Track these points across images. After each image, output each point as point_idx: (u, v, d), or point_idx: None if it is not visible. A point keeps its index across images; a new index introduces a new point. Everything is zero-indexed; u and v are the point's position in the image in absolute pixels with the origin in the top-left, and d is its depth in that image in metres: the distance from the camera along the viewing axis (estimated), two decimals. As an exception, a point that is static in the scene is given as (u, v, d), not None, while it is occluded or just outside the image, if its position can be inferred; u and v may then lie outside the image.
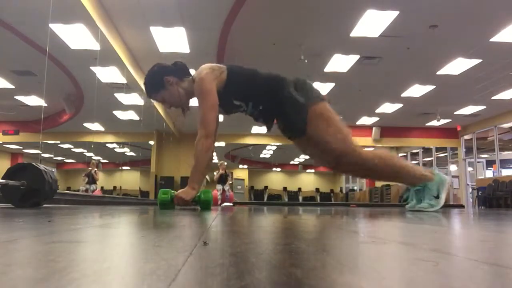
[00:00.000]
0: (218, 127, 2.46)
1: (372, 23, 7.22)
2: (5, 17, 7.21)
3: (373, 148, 20.56)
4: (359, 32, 7.58)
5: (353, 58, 8.97)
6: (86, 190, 11.66)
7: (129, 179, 27.59)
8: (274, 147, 21.64)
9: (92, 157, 22.93)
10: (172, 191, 2.53)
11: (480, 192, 13.13)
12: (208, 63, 2.42)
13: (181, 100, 2.46)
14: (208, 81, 2.30)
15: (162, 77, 2.41)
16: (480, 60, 8.86)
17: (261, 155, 24.98)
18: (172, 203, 2.46)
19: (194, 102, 2.48)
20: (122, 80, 10.02)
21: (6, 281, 0.36)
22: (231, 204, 10.35)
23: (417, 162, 19.25)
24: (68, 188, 23.55)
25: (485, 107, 12.66)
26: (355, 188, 26.46)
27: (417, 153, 18.86)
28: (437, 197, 2.54)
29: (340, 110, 13.60)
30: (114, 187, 26.54)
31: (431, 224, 1.45)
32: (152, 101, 2.64)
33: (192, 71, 2.53)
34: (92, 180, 11.98)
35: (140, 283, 0.37)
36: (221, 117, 2.57)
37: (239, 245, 0.67)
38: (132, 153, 23.75)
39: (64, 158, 26.99)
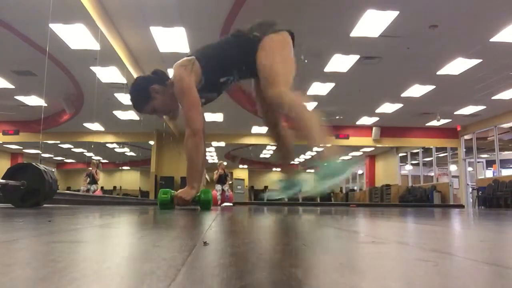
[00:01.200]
0: (205, 124, 2.46)
1: (372, 23, 7.22)
2: (5, 17, 7.22)
3: (372, 149, 20.48)
4: (359, 32, 7.58)
5: (353, 58, 8.97)
6: (87, 191, 11.65)
7: (129, 179, 27.61)
8: (274, 147, 21.59)
9: (92, 157, 22.93)
10: (172, 191, 2.53)
11: (480, 192, 13.14)
12: (178, 61, 2.40)
13: (169, 106, 2.46)
14: (185, 80, 2.30)
15: (148, 88, 2.40)
16: (480, 60, 8.86)
17: (261, 155, 24.98)
18: (172, 203, 2.47)
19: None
20: (122, 80, 10.02)
21: (6, 281, 0.36)
22: (231, 204, 10.35)
23: (417, 162, 19.29)
24: (68, 188, 23.55)
25: (485, 107, 12.66)
26: (355, 188, 26.47)
27: (417, 153, 18.86)
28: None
29: (340, 110, 13.60)
30: (114, 187, 26.55)
31: (431, 224, 1.45)
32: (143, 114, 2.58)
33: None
34: (93, 180, 11.97)
35: (140, 283, 0.37)
36: (220, 117, 2.58)
37: (239, 245, 0.67)
38: (132, 153, 23.75)
39: (64, 158, 26.99)
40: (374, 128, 15.64)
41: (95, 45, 7.85)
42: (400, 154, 20.34)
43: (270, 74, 2.22)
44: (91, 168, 12.20)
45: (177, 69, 2.34)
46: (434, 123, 14.38)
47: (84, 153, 23.13)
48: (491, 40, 7.80)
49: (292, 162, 2.77)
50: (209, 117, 12.91)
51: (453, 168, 17.07)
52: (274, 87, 2.18)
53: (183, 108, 2.33)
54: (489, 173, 15.70)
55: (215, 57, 2.38)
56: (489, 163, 15.91)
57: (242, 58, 2.34)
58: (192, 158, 2.34)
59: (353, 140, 15.78)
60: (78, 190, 14.07)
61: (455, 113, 13.43)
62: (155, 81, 2.43)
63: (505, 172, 14.40)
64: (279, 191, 2.47)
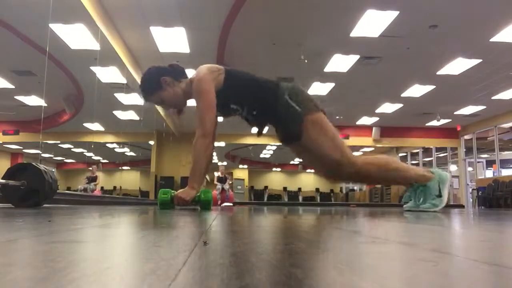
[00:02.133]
0: (217, 127, 2.47)
1: (372, 23, 7.22)
2: (5, 17, 7.22)
3: (372, 149, 20.50)
4: (359, 32, 7.58)
5: (353, 58, 8.97)
6: (85, 190, 11.70)
7: (129, 179, 27.61)
8: (274, 147, 21.64)
9: (92, 157, 22.87)
10: (172, 191, 2.53)
11: (480, 192, 13.13)
12: (207, 64, 2.42)
13: (178, 100, 2.46)
14: (206, 81, 2.30)
15: (159, 78, 2.41)
16: (480, 60, 8.86)
17: (261, 155, 24.98)
18: (172, 203, 2.47)
19: (191, 102, 2.49)
20: (122, 80, 10.02)
21: (6, 281, 0.36)
22: (231, 204, 10.34)
23: (417, 162, 19.28)
24: (68, 188, 23.55)
25: (485, 107, 12.66)
26: (355, 188, 26.48)
27: (417, 153, 18.85)
28: (439, 195, 2.52)
29: (340, 110, 13.64)
30: (114, 187, 26.54)
31: (431, 224, 1.45)
32: (149, 103, 2.63)
33: (191, 71, 2.53)
34: (91, 180, 12.09)
35: (140, 283, 0.37)
36: (220, 118, 2.59)
37: (239, 245, 0.67)
38: (132, 153, 23.74)
39: (64, 158, 26.99)
40: (374, 128, 15.64)
41: (95, 45, 7.85)
42: (400, 154, 20.34)
43: (327, 155, 2.32)
44: (91, 169, 12.35)
45: (202, 70, 2.34)
46: (434, 123, 14.38)
47: (84, 153, 23.13)
48: (491, 40, 7.80)
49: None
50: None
51: (453, 168, 17.06)
52: (338, 165, 2.33)
53: (198, 109, 2.32)
54: (489, 173, 15.70)
55: (241, 84, 2.38)
56: (489, 163, 15.90)
57: (260, 106, 2.37)
58: (198, 160, 2.34)
59: (353, 140, 15.78)
60: (76, 190, 14.10)
61: (455, 113, 13.43)
62: (169, 73, 2.43)
63: (505, 172, 14.40)
64: (411, 202, 2.73)
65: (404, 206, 2.96)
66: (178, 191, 2.43)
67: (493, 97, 11.57)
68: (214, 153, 23.03)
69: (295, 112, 2.27)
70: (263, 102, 2.35)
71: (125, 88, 10.68)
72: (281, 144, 2.62)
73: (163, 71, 2.45)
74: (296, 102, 2.28)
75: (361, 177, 2.49)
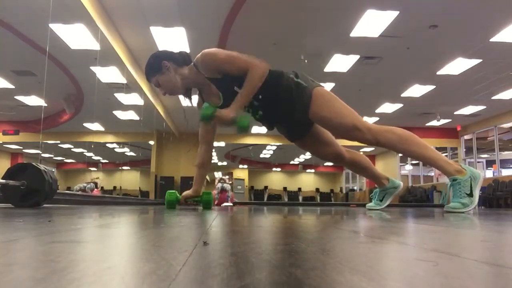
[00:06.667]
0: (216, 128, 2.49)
1: (372, 23, 7.22)
2: (5, 17, 7.22)
3: (372, 148, 20.43)
4: (359, 32, 7.58)
5: (353, 58, 8.97)
6: (84, 190, 11.71)
7: (129, 179, 27.63)
8: (274, 147, 21.64)
9: (92, 157, 22.83)
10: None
11: (480, 192, 13.12)
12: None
13: (175, 87, 2.43)
14: (219, 52, 2.29)
15: (160, 62, 2.40)
16: (480, 60, 8.86)
17: (261, 155, 24.98)
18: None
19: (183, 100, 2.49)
20: (122, 80, 10.02)
21: (6, 281, 0.36)
22: (231, 204, 10.33)
23: (417, 162, 19.29)
24: (68, 188, 23.53)
25: (485, 107, 12.66)
26: (355, 188, 26.47)
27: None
28: (470, 194, 2.29)
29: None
30: (114, 187, 26.55)
31: (431, 224, 1.45)
32: (150, 86, 2.66)
33: None
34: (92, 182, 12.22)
35: (140, 283, 0.37)
36: None
37: (239, 245, 0.67)
38: (132, 153, 23.75)
39: (64, 158, 27.00)
40: (374, 128, 15.65)
41: (95, 45, 7.85)
42: (400, 154, 20.33)
43: (341, 122, 2.27)
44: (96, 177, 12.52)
45: (209, 50, 2.30)
46: (434, 123, 14.38)
47: (84, 153, 23.13)
48: (491, 40, 7.80)
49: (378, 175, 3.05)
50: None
51: (453, 168, 17.05)
52: (354, 130, 2.24)
53: (240, 63, 2.24)
54: (489, 173, 15.71)
55: None
56: (489, 163, 15.91)
57: (265, 89, 2.29)
58: (257, 84, 2.24)
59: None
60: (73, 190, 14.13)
61: (455, 113, 13.44)
62: (172, 58, 2.42)
63: (505, 172, 14.41)
64: (377, 203, 2.83)
65: (367, 205, 2.98)
66: (220, 110, 2.30)
67: (493, 97, 11.58)
68: (214, 153, 23.02)
69: (302, 87, 2.28)
70: (268, 84, 2.29)
71: (125, 88, 10.68)
72: (291, 139, 2.61)
73: (167, 55, 2.44)
74: (302, 79, 2.31)
75: (382, 145, 2.31)
